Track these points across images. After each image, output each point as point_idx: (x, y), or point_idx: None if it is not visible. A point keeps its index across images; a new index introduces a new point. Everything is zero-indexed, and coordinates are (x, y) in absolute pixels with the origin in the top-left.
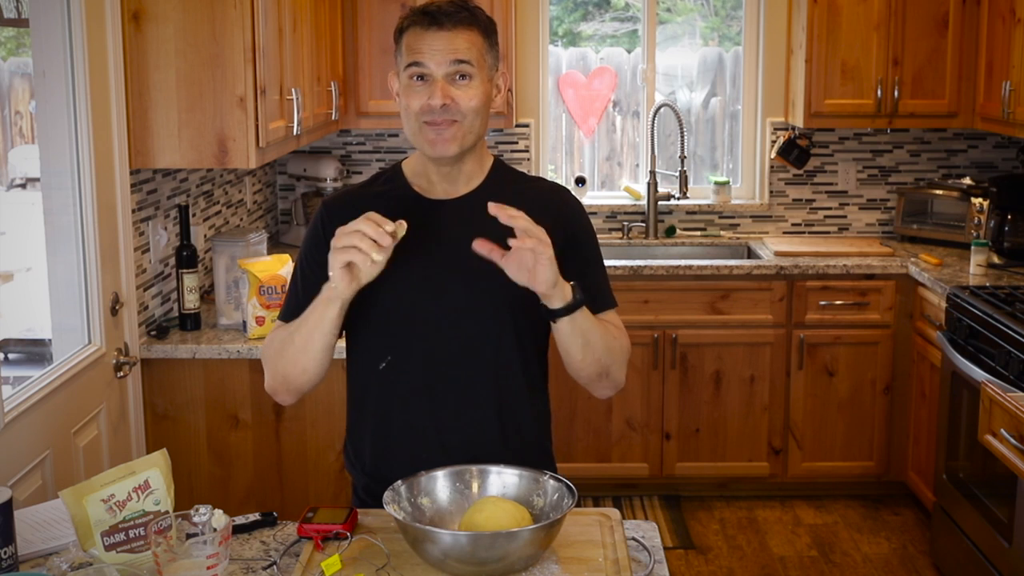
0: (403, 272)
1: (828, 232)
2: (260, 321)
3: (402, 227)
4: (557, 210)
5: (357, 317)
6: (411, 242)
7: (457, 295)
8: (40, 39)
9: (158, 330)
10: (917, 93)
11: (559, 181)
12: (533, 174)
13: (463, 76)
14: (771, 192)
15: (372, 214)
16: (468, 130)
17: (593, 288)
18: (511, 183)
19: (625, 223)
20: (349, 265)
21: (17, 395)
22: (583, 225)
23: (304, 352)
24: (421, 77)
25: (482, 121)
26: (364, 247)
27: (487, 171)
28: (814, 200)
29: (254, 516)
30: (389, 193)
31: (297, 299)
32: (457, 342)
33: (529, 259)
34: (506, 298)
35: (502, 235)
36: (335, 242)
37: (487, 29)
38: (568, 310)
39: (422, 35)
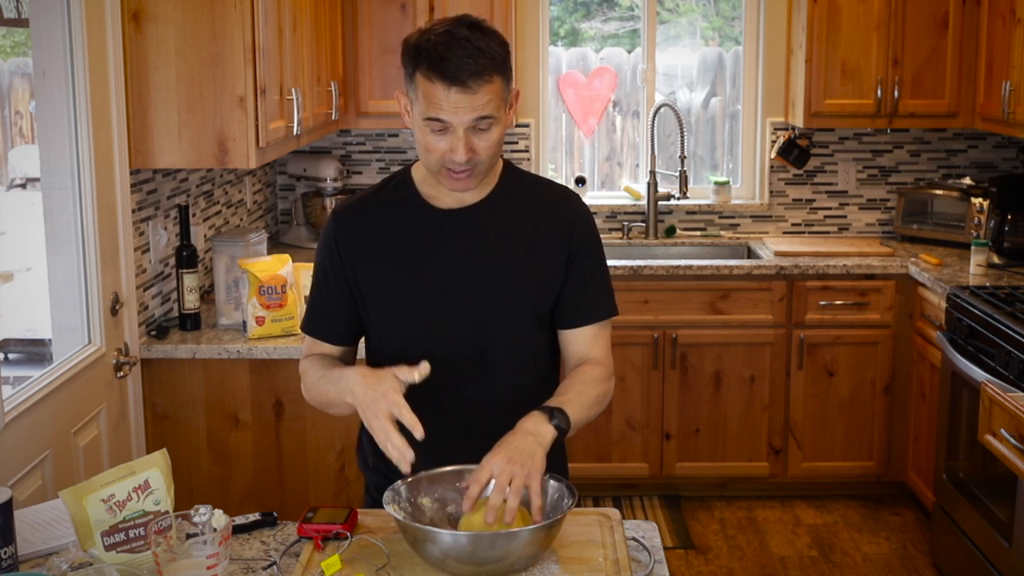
0: (416, 282)
1: (828, 232)
2: (260, 321)
3: (425, 368)
4: (565, 217)
5: (372, 327)
6: (423, 253)
7: (470, 304)
8: (40, 39)
9: (158, 330)
10: (917, 93)
11: (560, 180)
12: (543, 176)
13: (484, 127)
14: (771, 192)
15: (390, 426)
16: (487, 168)
17: (595, 298)
18: (521, 190)
19: (625, 223)
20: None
21: (17, 395)
22: (591, 236)
23: (330, 409)
24: (440, 129)
25: (498, 153)
26: (390, 454)
27: (498, 176)
28: (814, 200)
29: (254, 516)
30: (398, 202)
31: (318, 314)
32: (471, 350)
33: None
34: (519, 306)
35: (511, 244)
36: (372, 420)
37: (504, 66)
38: (559, 439)
39: (444, 92)
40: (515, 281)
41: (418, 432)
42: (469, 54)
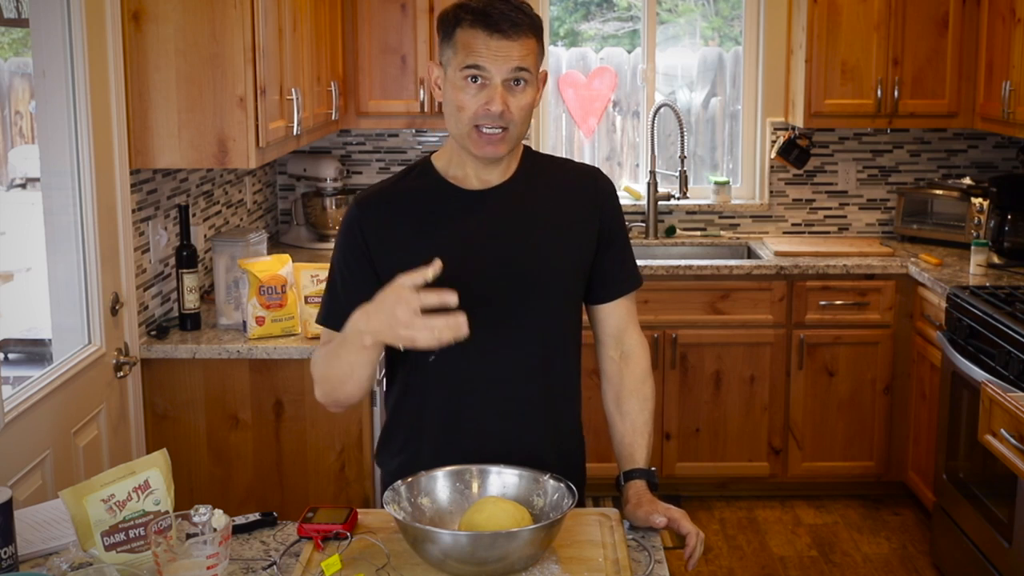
0: (446, 264)
1: (828, 232)
2: (260, 321)
3: (437, 266)
4: (592, 194)
5: None
6: (452, 235)
7: (502, 284)
8: (40, 39)
9: (158, 330)
10: (917, 93)
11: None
12: (563, 156)
13: (518, 82)
14: (771, 192)
15: (415, 297)
16: (517, 135)
17: (626, 271)
18: (544, 169)
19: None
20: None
21: (17, 395)
22: (619, 209)
23: (347, 384)
24: (476, 79)
25: (527, 124)
26: (444, 336)
27: (519, 158)
28: (814, 200)
29: (254, 516)
30: (423, 188)
31: (338, 304)
32: (506, 331)
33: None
34: (551, 284)
35: (540, 222)
36: (403, 330)
37: (540, 33)
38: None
39: (485, 39)
40: (545, 258)
41: (452, 298)
42: (511, 9)
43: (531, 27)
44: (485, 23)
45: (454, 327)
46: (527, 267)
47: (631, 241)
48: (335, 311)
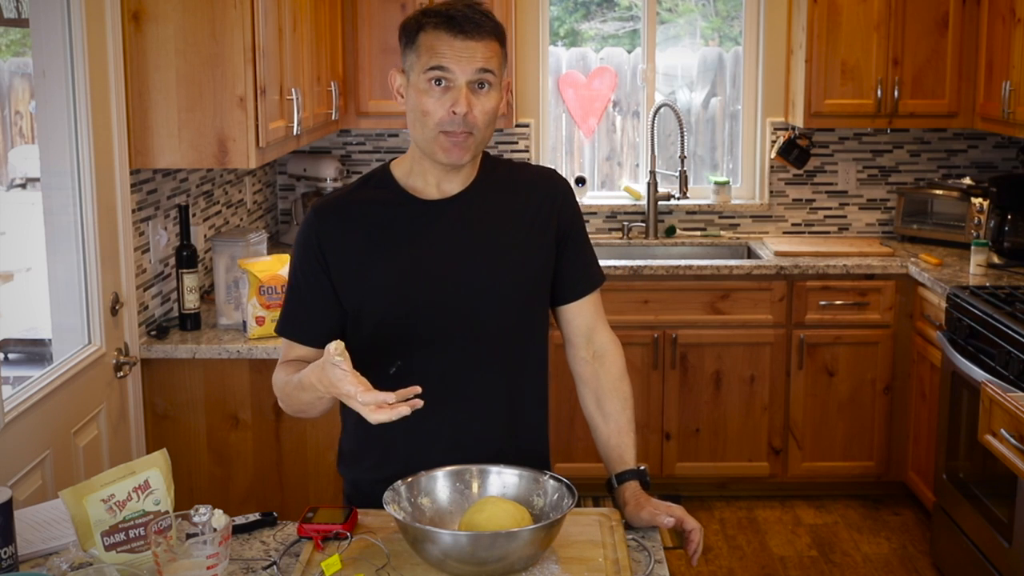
0: (407, 276)
1: (828, 232)
2: (260, 321)
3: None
4: (549, 195)
5: (360, 324)
6: (410, 247)
7: (464, 293)
8: (40, 39)
9: (158, 330)
10: (917, 93)
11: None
12: (520, 161)
13: (482, 84)
14: (771, 192)
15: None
16: (481, 140)
17: (588, 269)
18: (502, 176)
19: (625, 223)
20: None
21: (17, 395)
22: (573, 208)
23: (309, 413)
24: (440, 81)
25: (492, 129)
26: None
27: (478, 166)
28: (814, 200)
29: (254, 516)
30: (381, 196)
31: (296, 315)
32: (468, 340)
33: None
34: (513, 293)
35: (499, 231)
36: (363, 398)
37: (502, 38)
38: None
39: (449, 40)
40: (505, 265)
41: (416, 402)
42: (474, 12)
43: (494, 31)
44: (449, 25)
45: (404, 407)
46: (487, 277)
47: (631, 244)
48: (293, 321)
